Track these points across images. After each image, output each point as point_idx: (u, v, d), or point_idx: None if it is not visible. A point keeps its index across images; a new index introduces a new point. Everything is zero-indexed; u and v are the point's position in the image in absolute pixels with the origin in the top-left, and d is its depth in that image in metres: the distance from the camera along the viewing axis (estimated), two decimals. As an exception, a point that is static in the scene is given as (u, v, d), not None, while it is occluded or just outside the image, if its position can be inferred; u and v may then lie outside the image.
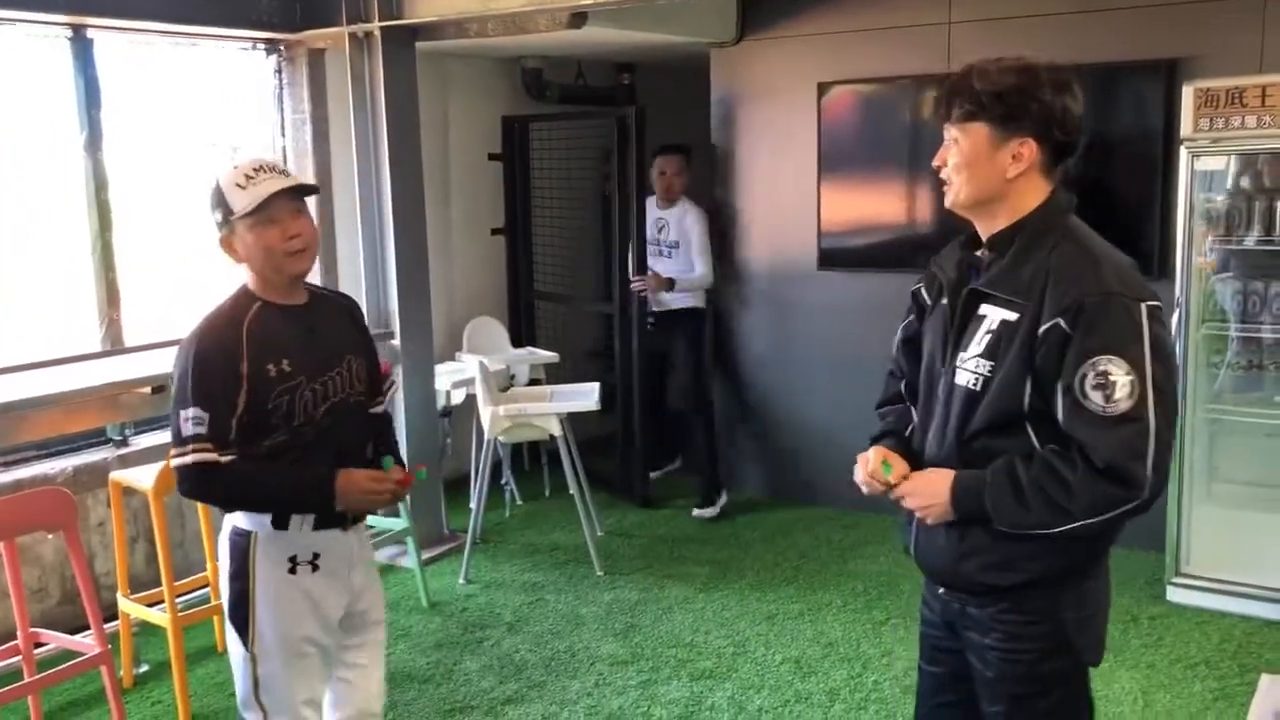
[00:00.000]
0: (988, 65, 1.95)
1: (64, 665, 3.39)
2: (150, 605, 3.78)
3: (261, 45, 5.07)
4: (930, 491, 1.97)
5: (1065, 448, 1.84)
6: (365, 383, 2.46)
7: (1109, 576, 2.06)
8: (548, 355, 5.82)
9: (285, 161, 5.20)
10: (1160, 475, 1.80)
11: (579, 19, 4.63)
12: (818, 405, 5.38)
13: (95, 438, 4.43)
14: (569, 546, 5.08)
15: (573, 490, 4.86)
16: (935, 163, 2.04)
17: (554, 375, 5.93)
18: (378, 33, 4.81)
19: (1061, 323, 1.81)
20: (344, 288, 5.25)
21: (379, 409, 2.57)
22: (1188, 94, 4.11)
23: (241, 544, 2.32)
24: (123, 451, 4.40)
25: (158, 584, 3.69)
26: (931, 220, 5.20)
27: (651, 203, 5.61)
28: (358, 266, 5.05)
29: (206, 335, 2.27)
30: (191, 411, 2.19)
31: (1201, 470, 4.39)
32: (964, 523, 1.95)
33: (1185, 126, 4.13)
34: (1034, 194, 1.97)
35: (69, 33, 4.31)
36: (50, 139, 4.37)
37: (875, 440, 2.20)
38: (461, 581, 4.71)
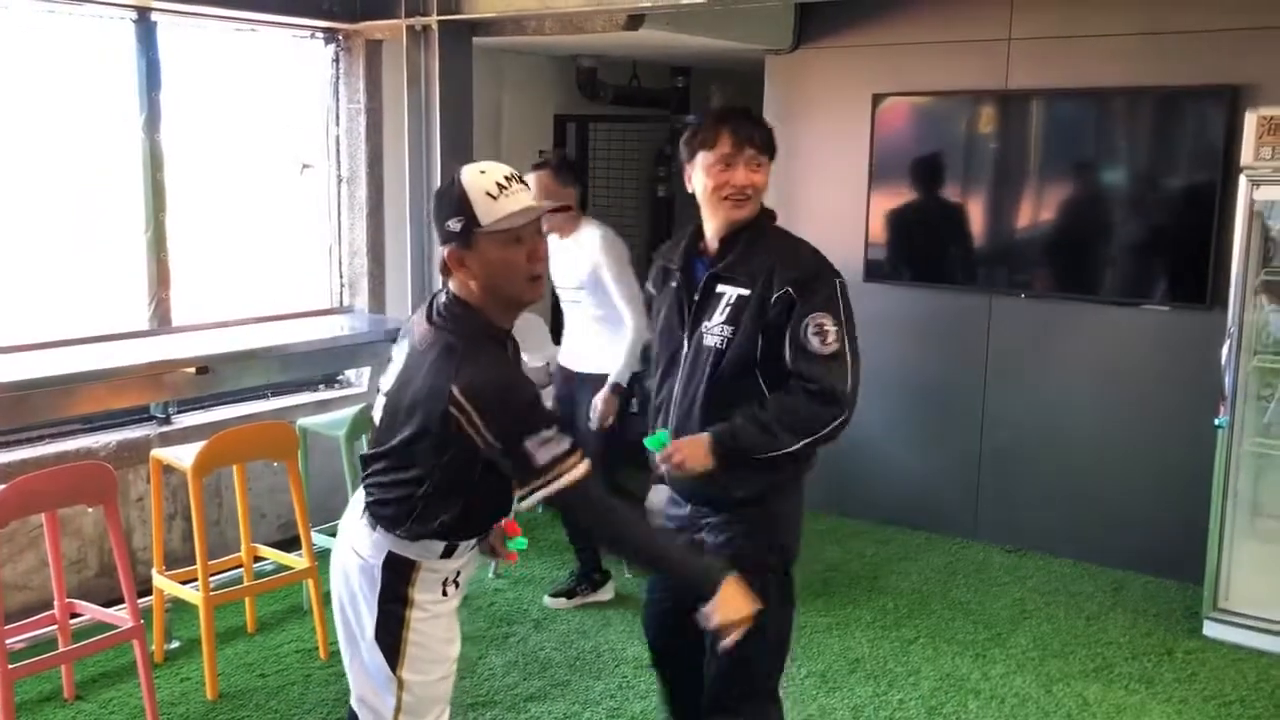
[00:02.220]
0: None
1: (97, 637, 3.45)
2: (184, 583, 3.83)
3: (320, 34, 5.12)
4: (693, 447, 2.48)
5: (785, 390, 2.47)
6: None
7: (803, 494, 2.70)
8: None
9: (339, 151, 5.25)
10: (855, 395, 2.51)
11: (636, 21, 4.63)
12: (854, 419, 5.32)
13: (139, 414, 4.49)
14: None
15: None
16: (745, 182, 2.52)
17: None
18: (435, 26, 4.84)
19: (790, 291, 2.46)
20: (391, 280, 5.30)
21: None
22: (1250, 121, 4.04)
23: (404, 570, 2.19)
24: (165, 429, 4.47)
25: (193, 561, 3.74)
26: (982, 235, 5.16)
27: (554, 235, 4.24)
28: (405, 259, 5.08)
29: (502, 360, 2.13)
30: (550, 432, 2.05)
31: (1245, 504, 4.31)
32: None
33: (1246, 154, 4.06)
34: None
35: (134, 15, 4.38)
36: (110, 119, 4.44)
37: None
38: (491, 576, 4.73)
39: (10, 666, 3.15)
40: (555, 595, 4.44)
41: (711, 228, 2.60)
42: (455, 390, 2.03)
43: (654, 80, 6.68)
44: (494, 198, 2.06)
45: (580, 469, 2.09)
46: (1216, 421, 4.18)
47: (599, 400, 4.13)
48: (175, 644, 3.99)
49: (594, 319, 4.24)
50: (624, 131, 6.45)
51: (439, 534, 2.19)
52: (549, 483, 2.07)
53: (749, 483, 2.54)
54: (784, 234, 2.64)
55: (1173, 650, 4.14)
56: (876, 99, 5.26)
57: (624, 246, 4.21)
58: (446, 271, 2.15)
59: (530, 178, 3.75)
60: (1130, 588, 4.76)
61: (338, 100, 5.24)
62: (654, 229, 6.80)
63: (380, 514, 2.20)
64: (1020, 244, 5.13)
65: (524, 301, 2.16)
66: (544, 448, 2.05)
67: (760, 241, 2.57)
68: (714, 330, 2.52)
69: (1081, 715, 3.67)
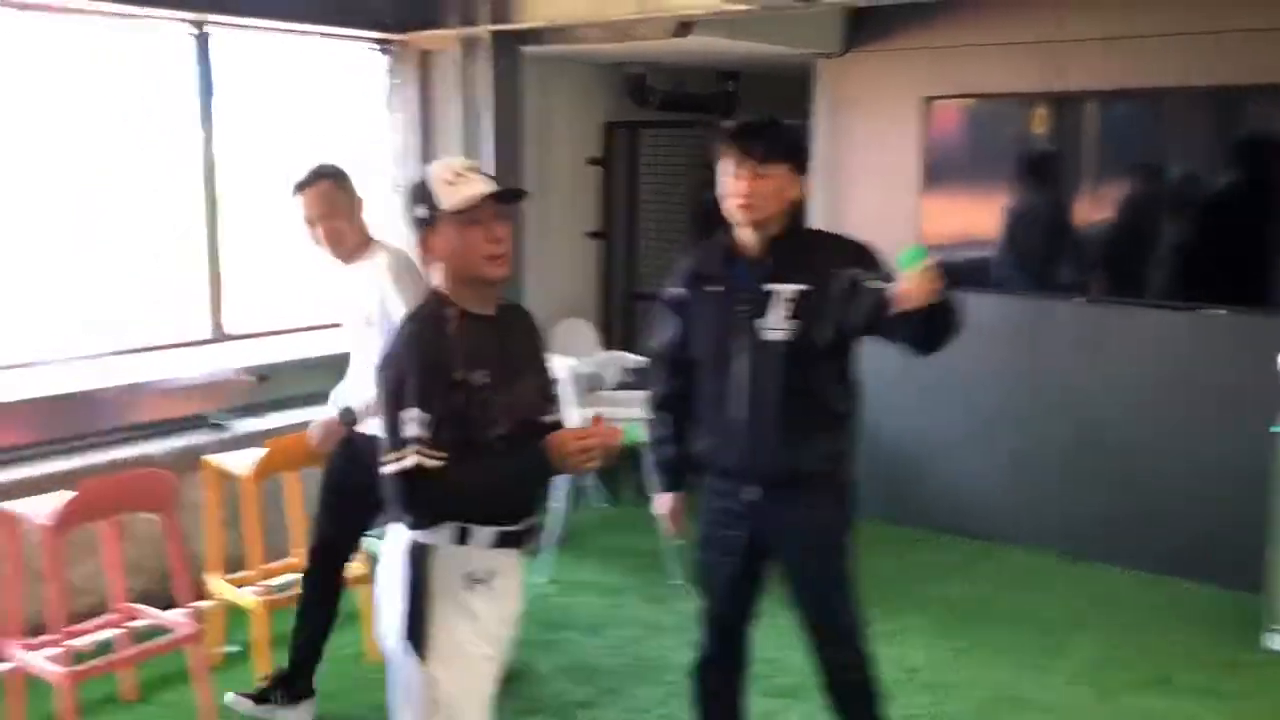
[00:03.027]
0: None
1: (155, 641, 3.51)
2: (240, 587, 3.88)
3: (374, 45, 5.18)
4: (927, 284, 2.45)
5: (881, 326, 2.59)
6: (543, 392, 2.44)
7: None
8: (636, 359, 5.83)
9: (393, 159, 5.31)
10: None
11: (685, 28, 4.64)
12: (908, 426, 5.31)
13: (197, 421, 4.56)
14: (649, 553, 5.07)
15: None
16: (746, 190, 2.66)
17: (644, 379, 5.94)
18: (486, 37, 4.89)
19: (853, 270, 2.64)
20: (441, 285, 5.34)
21: (553, 418, 2.49)
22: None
23: (421, 558, 2.27)
24: (222, 436, 4.53)
25: (249, 566, 3.79)
26: (1036, 239, 5.10)
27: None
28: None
29: (420, 338, 2.25)
30: (414, 413, 2.15)
31: (1310, 514, 4.22)
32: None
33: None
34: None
35: (192, 28, 4.46)
36: (169, 130, 4.52)
37: (673, 485, 3.01)
38: (543, 580, 4.75)
39: (75, 668, 3.22)
40: (242, 694, 3.64)
41: (743, 233, 2.75)
42: (380, 362, 2.28)
43: (702, 85, 6.68)
44: (451, 184, 2.24)
45: (425, 462, 2.14)
46: (1275, 427, 4.10)
47: (318, 422, 3.48)
48: (233, 648, 4.05)
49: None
50: (672, 137, 6.45)
51: (439, 517, 2.25)
52: (397, 459, 2.17)
53: (819, 453, 2.76)
54: (821, 232, 2.93)
55: (1234, 662, 4.07)
56: (927, 102, 5.22)
57: (419, 274, 3.14)
58: (422, 260, 2.33)
59: (309, 192, 3.37)
60: (1188, 597, 4.67)
61: (392, 110, 5.30)
62: (703, 234, 6.78)
63: (395, 499, 2.26)
64: (1075, 247, 5.06)
65: (486, 279, 2.28)
66: (411, 425, 2.16)
67: (807, 241, 2.81)
68: (776, 327, 2.68)
69: (1140, 727, 3.61)
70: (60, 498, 3.30)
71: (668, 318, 2.92)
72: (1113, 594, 4.72)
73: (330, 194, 3.37)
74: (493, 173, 4.91)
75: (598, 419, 2.31)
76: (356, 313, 3.44)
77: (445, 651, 2.26)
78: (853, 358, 2.79)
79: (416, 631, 2.26)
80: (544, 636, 4.23)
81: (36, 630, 3.46)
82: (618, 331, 6.54)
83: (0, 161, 4.11)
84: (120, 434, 4.33)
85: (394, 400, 2.19)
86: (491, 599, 2.32)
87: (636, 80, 6.28)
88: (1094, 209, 5.01)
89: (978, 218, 5.29)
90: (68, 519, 3.19)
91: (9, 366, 4.08)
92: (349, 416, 3.42)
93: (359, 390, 3.37)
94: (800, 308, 2.68)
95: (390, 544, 2.33)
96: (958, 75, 5.17)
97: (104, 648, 3.69)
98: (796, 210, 2.78)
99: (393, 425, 2.18)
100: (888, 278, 2.59)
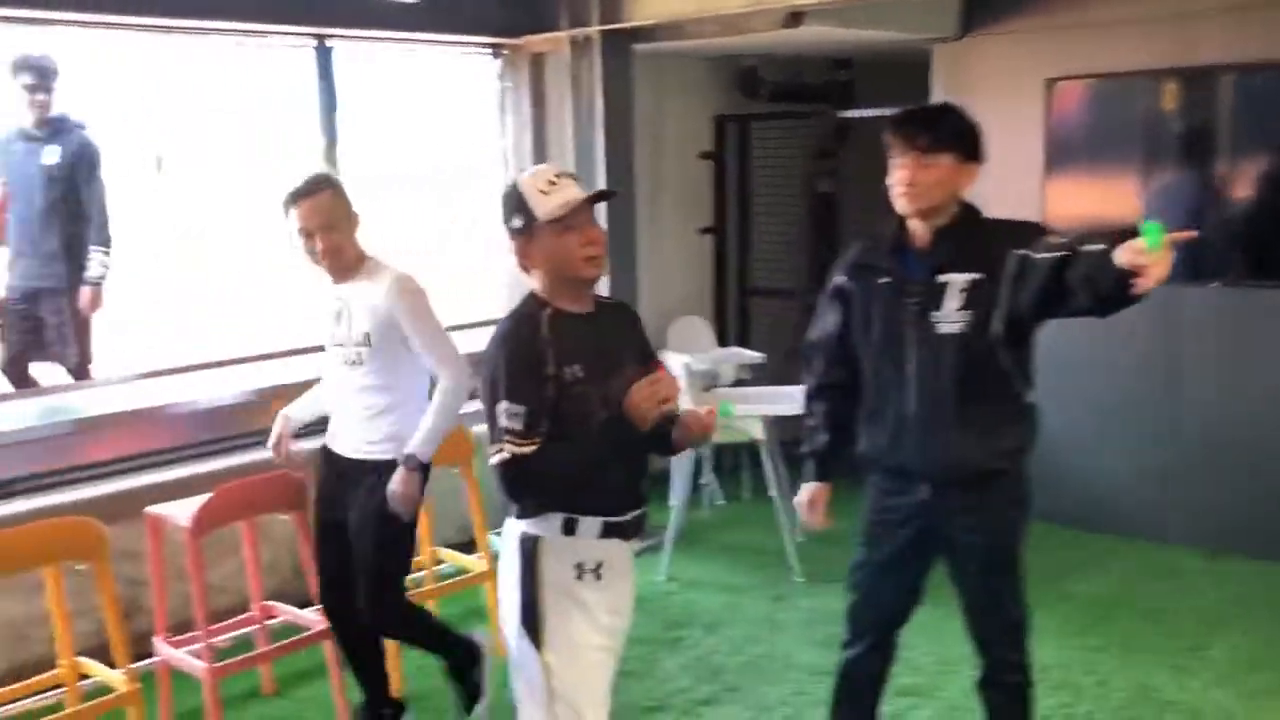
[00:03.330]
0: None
1: (292, 638, 3.63)
2: (371, 585, 3.98)
3: (487, 50, 5.26)
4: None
5: (1072, 265, 2.41)
6: None
7: None
8: (753, 355, 5.80)
9: (507, 162, 5.39)
10: None
11: (796, 19, 4.59)
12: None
13: (325, 425, 4.69)
14: (769, 550, 5.05)
15: (773, 493, 4.83)
16: (909, 180, 2.63)
17: (760, 376, 5.91)
18: (597, 36, 4.91)
19: (1022, 250, 2.55)
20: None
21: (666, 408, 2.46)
22: None
23: (531, 548, 2.34)
24: (350, 438, 4.66)
25: (378, 566, 3.89)
26: (1169, 222, 4.87)
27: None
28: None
29: (513, 336, 2.32)
30: (506, 405, 2.23)
31: None
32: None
33: None
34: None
35: (314, 42, 4.59)
36: (293, 141, 4.67)
37: (821, 475, 2.92)
38: (662, 578, 4.77)
39: (216, 665, 3.35)
40: None
41: (911, 223, 2.70)
42: (481, 362, 2.35)
43: (815, 74, 6.60)
44: (546, 193, 2.30)
45: (517, 451, 2.22)
46: None
47: (396, 482, 3.13)
48: (364, 644, 4.16)
49: (367, 389, 3.22)
50: (785, 128, 6.39)
51: (546, 507, 2.32)
52: (496, 452, 2.24)
53: (995, 450, 2.69)
54: (997, 219, 2.76)
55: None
56: (1050, 84, 5.06)
57: (424, 294, 3.23)
58: (521, 268, 2.38)
59: (308, 203, 3.14)
60: (1342, 595, 4.44)
61: (504, 114, 5.37)
62: (816, 226, 6.71)
63: (500, 489, 2.32)
64: (1211, 230, 4.84)
65: (584, 279, 2.36)
66: (504, 417, 2.24)
67: (978, 229, 2.70)
68: (949, 318, 2.63)
69: (1291, 733, 3.45)
70: (200, 501, 3.43)
71: (830, 307, 2.87)
72: (1256, 591, 4.50)
73: (330, 205, 3.16)
74: (605, 171, 4.98)
75: (658, 363, 2.40)
76: (352, 333, 3.20)
77: (559, 641, 2.33)
78: (1030, 348, 2.69)
79: (531, 621, 2.34)
80: (666, 634, 4.24)
81: (181, 628, 3.62)
82: (732, 328, 6.52)
83: (139, 180, 4.30)
84: (254, 438, 4.49)
85: (490, 395, 2.27)
86: (601, 589, 2.37)
87: (748, 73, 6.24)
88: (1231, 189, 4.79)
89: (1104, 201, 5.12)
90: (204, 521, 3.32)
91: (149, 375, 4.26)
92: (413, 462, 3.14)
93: (362, 433, 3.23)
94: (973, 298, 2.61)
95: (505, 536, 2.42)
96: (1082, 55, 5.00)
97: (244, 644, 3.84)
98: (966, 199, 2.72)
99: (490, 419, 2.27)
100: (1058, 246, 2.49)
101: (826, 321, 2.89)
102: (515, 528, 2.38)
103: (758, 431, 4.81)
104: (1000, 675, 2.87)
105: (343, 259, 3.22)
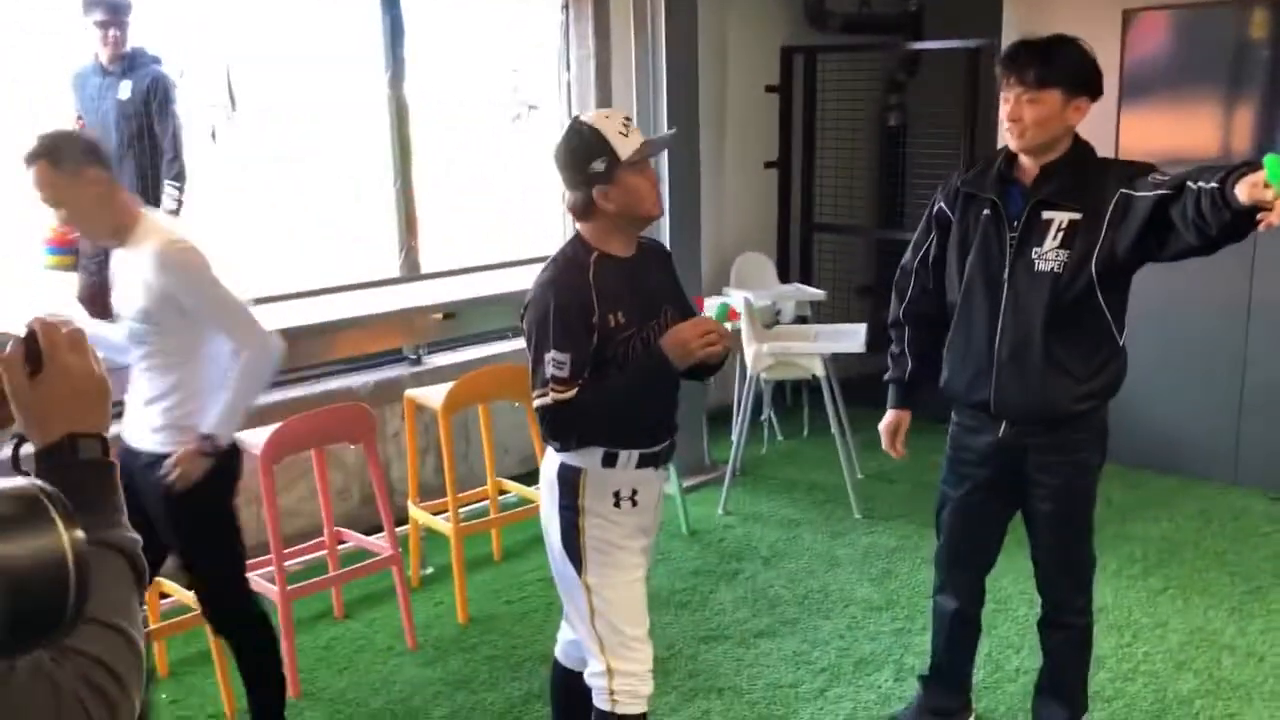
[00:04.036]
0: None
1: (361, 563, 3.76)
2: (436, 514, 4.10)
3: (550, -18, 5.23)
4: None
5: (1187, 193, 2.33)
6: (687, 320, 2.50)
7: None
8: (815, 292, 5.78)
9: (570, 97, 5.38)
10: None
11: (864, -52, 4.48)
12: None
13: (393, 356, 4.81)
14: (827, 486, 5.09)
15: (834, 430, 4.85)
16: (1014, 116, 2.57)
17: (822, 313, 5.89)
18: (661, -33, 4.85)
19: (1123, 191, 2.52)
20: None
21: None
22: None
23: (572, 479, 2.43)
24: (416, 370, 4.76)
25: (445, 493, 4.00)
26: (1248, 149, 4.75)
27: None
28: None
29: (561, 283, 2.35)
30: (553, 355, 2.29)
31: None
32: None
33: None
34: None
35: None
36: (359, 76, 4.71)
37: (902, 403, 2.97)
38: (720, 512, 4.82)
39: (289, 588, 3.49)
40: None
41: (1021, 156, 2.66)
42: (527, 302, 2.40)
43: (885, 4, 6.46)
44: (624, 135, 2.33)
45: (563, 397, 2.29)
46: None
47: (180, 455, 2.71)
48: (429, 570, 4.29)
49: (151, 370, 2.79)
50: (854, 61, 6.29)
51: (586, 441, 2.39)
52: (540, 396, 2.31)
53: (1080, 393, 2.66)
54: (1104, 159, 2.70)
55: None
56: (1128, 15, 4.91)
57: (200, 253, 2.72)
58: (580, 215, 2.38)
59: (30, 175, 2.61)
60: None
61: (568, 46, 5.35)
62: (883, 160, 6.63)
63: (543, 431, 2.42)
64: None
65: (652, 217, 2.42)
66: (551, 366, 2.29)
67: (1085, 166, 2.62)
68: (1047, 256, 2.60)
69: (1352, 678, 3.42)
70: (272, 429, 3.55)
71: (927, 232, 2.85)
72: (1326, 536, 4.44)
73: (47, 179, 2.62)
74: (668, 104, 4.95)
75: (699, 299, 2.44)
76: (129, 308, 2.77)
77: (598, 565, 2.45)
78: (1125, 292, 2.65)
79: (573, 547, 2.45)
80: (724, 566, 4.31)
81: (256, 551, 3.76)
82: (795, 264, 6.48)
83: (202, 113, 4.37)
84: (326, 367, 4.61)
85: (538, 340, 2.33)
86: (636, 514, 2.49)
87: (815, 3, 6.13)
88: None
89: (1182, 134, 4.97)
90: (276, 449, 3.43)
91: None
92: (211, 442, 2.73)
93: (148, 419, 2.77)
94: (1072, 237, 2.57)
95: (546, 470, 2.51)
96: (1162, -17, 4.84)
97: (316, 568, 3.98)
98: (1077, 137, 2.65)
99: (536, 362, 2.33)
100: (1161, 184, 2.44)
101: (922, 247, 2.86)
102: (555, 459, 2.47)
103: (818, 368, 4.81)
104: (1063, 617, 2.90)
105: (93, 228, 2.82)
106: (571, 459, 2.44)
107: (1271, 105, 4.70)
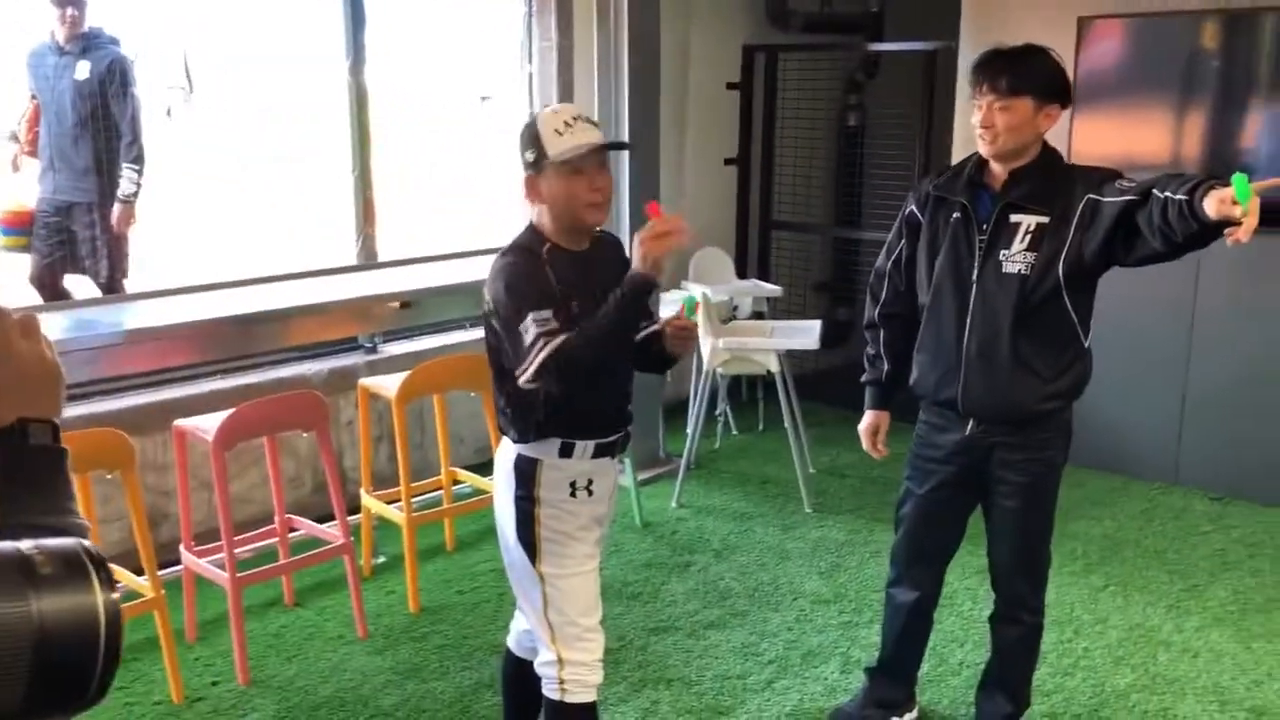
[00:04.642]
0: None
1: (313, 551, 3.76)
2: (389, 503, 4.10)
3: (513, -27, 5.23)
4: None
5: (1154, 202, 2.41)
6: None
7: None
8: (771, 289, 5.83)
9: (531, 88, 5.38)
10: None
11: (826, -51, 4.52)
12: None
13: (349, 344, 4.79)
14: (780, 480, 5.14)
15: (787, 425, 4.90)
16: (985, 123, 2.64)
17: (778, 309, 5.95)
18: (623, -37, 4.87)
19: (1090, 195, 2.59)
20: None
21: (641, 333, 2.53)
22: None
23: (529, 470, 2.45)
24: (372, 358, 4.75)
25: (398, 481, 4.00)
26: (1196, 166, 4.86)
27: None
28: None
29: (517, 266, 2.35)
30: (533, 315, 2.25)
31: None
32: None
33: None
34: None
35: (340, -40, 4.58)
36: (319, 63, 4.68)
37: (881, 403, 3.03)
38: (674, 505, 4.86)
39: (239, 575, 3.48)
40: None
41: (992, 162, 2.72)
42: (486, 290, 2.39)
43: (847, 5, 6.52)
44: (560, 134, 2.32)
45: (553, 345, 2.25)
46: None
47: None
48: (381, 559, 4.29)
49: None
50: (814, 60, 6.34)
51: (545, 432, 2.41)
52: (533, 359, 2.25)
53: (1045, 393, 2.73)
54: (1071, 164, 2.79)
55: (1391, 612, 3.90)
56: (1082, 22, 4.99)
57: None
58: (528, 198, 2.41)
59: None
60: (1347, 543, 4.49)
61: (530, 38, 5.35)
62: (841, 159, 6.69)
63: (501, 422, 2.46)
64: (1242, 174, 4.80)
65: (586, 225, 2.40)
66: (531, 328, 2.26)
67: (1053, 172, 2.70)
68: (1015, 258, 2.66)
69: (1283, 674, 3.52)
70: (225, 415, 3.53)
71: (899, 236, 2.91)
72: (1262, 536, 4.56)
73: None
74: (630, 100, 4.98)
75: (654, 205, 2.47)
76: None
77: (552, 554, 2.46)
78: (1091, 294, 2.72)
79: (528, 537, 2.46)
80: (676, 558, 4.35)
81: (207, 537, 3.74)
82: (753, 260, 6.54)
83: (159, 96, 4.33)
84: (280, 354, 4.59)
85: (514, 311, 2.29)
86: (591, 503, 2.52)
87: (778, 2, 6.17)
88: (1262, 134, 4.74)
89: (1133, 140, 5.06)
90: (228, 435, 3.42)
91: (180, 291, 4.34)
92: None
93: None
94: (1040, 240, 2.64)
95: (501, 458, 2.53)
96: (1116, -8, 4.94)
97: (266, 555, 3.97)
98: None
99: (515, 340, 2.28)
100: (1127, 190, 2.52)
101: (894, 250, 2.93)
102: (511, 451, 2.48)
103: (773, 364, 4.86)
104: (1016, 613, 2.97)
105: None
106: (528, 449, 2.45)
107: (1221, 113, 4.80)
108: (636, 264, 2.32)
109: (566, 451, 2.44)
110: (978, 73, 2.66)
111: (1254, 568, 4.28)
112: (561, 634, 2.47)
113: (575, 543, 2.49)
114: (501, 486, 2.53)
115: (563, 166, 2.32)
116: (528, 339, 2.26)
